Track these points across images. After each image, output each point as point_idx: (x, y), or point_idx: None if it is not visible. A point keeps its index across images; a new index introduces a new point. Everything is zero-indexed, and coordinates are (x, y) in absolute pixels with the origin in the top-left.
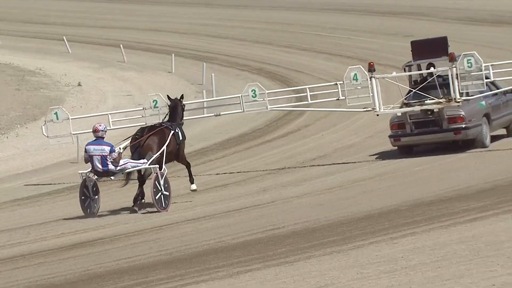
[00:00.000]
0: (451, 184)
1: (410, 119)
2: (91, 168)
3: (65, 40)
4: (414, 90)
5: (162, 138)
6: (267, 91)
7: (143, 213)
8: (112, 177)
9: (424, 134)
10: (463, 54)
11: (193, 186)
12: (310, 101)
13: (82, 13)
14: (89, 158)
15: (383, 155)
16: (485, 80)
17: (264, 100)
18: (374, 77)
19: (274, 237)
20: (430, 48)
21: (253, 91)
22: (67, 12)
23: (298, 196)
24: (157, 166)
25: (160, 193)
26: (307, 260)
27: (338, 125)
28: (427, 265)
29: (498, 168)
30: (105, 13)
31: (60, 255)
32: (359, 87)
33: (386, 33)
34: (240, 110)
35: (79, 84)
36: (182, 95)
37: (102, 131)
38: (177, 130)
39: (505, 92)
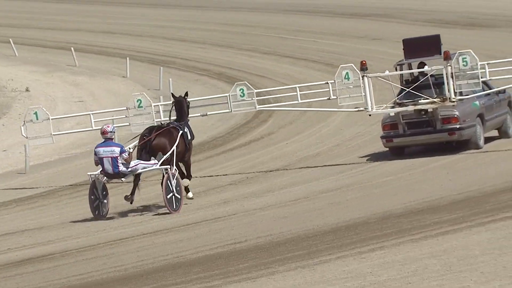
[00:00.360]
0: (422, 195)
1: (403, 120)
2: (101, 170)
3: (12, 43)
4: (407, 90)
5: (171, 138)
6: (255, 90)
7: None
8: (123, 179)
9: (418, 134)
10: (458, 52)
11: (190, 194)
12: (300, 101)
13: (29, 13)
14: (99, 161)
15: (351, 165)
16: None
17: (252, 99)
18: (366, 76)
19: (235, 252)
20: (423, 47)
21: (241, 90)
22: (12, 12)
23: (261, 208)
24: (168, 166)
25: (171, 194)
26: (271, 276)
27: (303, 133)
28: (397, 280)
29: (471, 178)
30: (54, 14)
31: (5, 272)
32: (351, 86)
33: (353, 36)
34: (228, 110)
35: (27, 90)
36: (187, 92)
37: (111, 132)
38: (185, 130)
39: (497, 92)
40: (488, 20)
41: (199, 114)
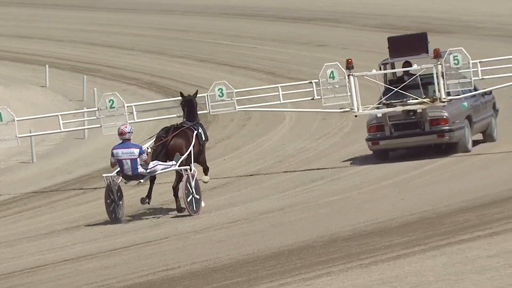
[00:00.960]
0: (372, 216)
1: (389, 121)
2: (119, 172)
3: None
4: (395, 90)
5: (187, 139)
6: (235, 90)
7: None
8: (141, 180)
9: (405, 137)
10: (449, 50)
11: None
12: (282, 101)
13: None
14: (116, 162)
15: (295, 183)
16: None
17: (232, 100)
18: (352, 75)
19: (167, 279)
20: (409, 45)
21: (220, 90)
22: None
23: (196, 231)
24: (188, 167)
25: (191, 196)
26: None
27: (243, 148)
28: None
29: (424, 197)
30: None
31: None
32: (337, 86)
33: (296, 42)
34: (205, 111)
35: None
36: (197, 90)
37: (129, 132)
38: (200, 131)
39: (483, 94)
40: (443, 25)
41: (175, 115)
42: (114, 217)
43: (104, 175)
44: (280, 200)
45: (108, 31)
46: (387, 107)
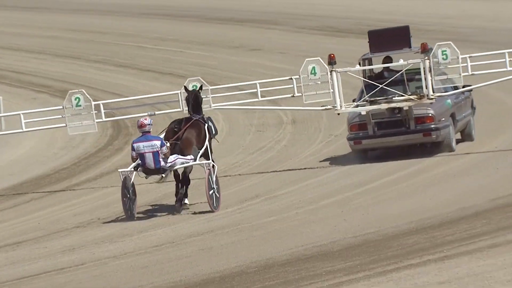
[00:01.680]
0: (311, 239)
1: (372, 119)
2: (140, 167)
3: None
4: (380, 86)
5: (199, 131)
6: (210, 87)
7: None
8: (163, 175)
9: (389, 136)
10: (438, 45)
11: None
12: (260, 98)
13: None
14: (137, 157)
15: (226, 202)
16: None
17: (207, 97)
18: (335, 70)
19: None
20: (390, 39)
21: (194, 87)
22: None
23: (116, 256)
24: (210, 161)
25: (212, 191)
26: None
27: None
28: None
29: (369, 218)
30: None
31: None
32: (319, 82)
33: (227, 45)
34: (179, 109)
35: None
36: (201, 85)
37: (149, 124)
38: (210, 124)
39: (463, 91)
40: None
41: (146, 114)
42: (130, 214)
43: (119, 170)
44: (210, 221)
45: (15, 32)
46: (371, 105)
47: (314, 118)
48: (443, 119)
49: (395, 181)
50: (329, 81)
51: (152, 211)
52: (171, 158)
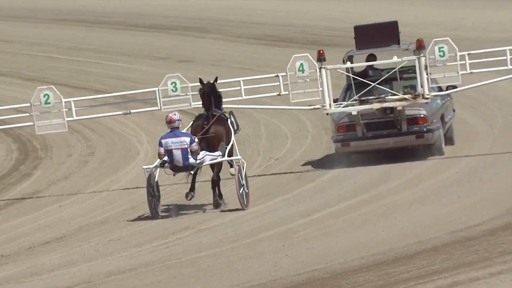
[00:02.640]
0: (249, 277)
1: (361, 120)
2: (167, 164)
3: None
4: (373, 84)
5: (225, 127)
6: (190, 84)
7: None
8: (191, 172)
9: (379, 138)
10: (434, 41)
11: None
12: (244, 97)
13: None
14: (165, 153)
15: (152, 235)
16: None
17: (187, 95)
18: (324, 67)
19: None
20: (378, 35)
21: (173, 84)
22: None
23: None
24: (239, 157)
25: (242, 188)
26: None
27: (84, 191)
28: None
29: (314, 252)
30: None
31: None
32: (308, 80)
33: (152, 56)
34: (156, 108)
35: None
36: (216, 77)
37: (178, 120)
38: (232, 119)
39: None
40: (335, 37)
41: (121, 112)
42: (155, 213)
43: (144, 167)
44: (132, 257)
45: None
46: (362, 104)
47: (251, 139)
48: (435, 120)
49: (345, 210)
50: (318, 79)
51: (63, 248)
52: (200, 154)
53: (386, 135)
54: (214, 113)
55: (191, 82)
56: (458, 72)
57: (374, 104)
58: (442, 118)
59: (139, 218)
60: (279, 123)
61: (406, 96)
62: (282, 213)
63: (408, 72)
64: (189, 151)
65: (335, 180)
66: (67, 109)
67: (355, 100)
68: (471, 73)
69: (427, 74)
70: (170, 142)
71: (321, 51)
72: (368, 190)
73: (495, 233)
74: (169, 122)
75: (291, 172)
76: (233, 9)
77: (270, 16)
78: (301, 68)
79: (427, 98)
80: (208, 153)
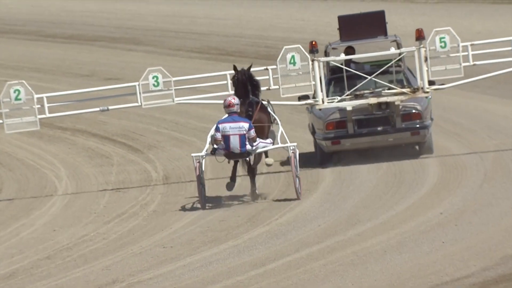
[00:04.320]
0: None
1: (353, 116)
2: (221, 150)
3: None
4: (369, 78)
5: (268, 115)
6: (173, 78)
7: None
8: (247, 159)
9: (372, 135)
10: (435, 31)
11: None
12: (230, 91)
13: None
14: (221, 139)
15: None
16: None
17: (169, 90)
18: (317, 60)
19: None
20: (364, 26)
21: (155, 79)
22: None
23: None
24: (295, 144)
25: (297, 177)
26: None
27: (12, 226)
28: None
29: None
30: None
31: None
32: (300, 73)
33: (72, 72)
34: (137, 104)
35: None
36: (252, 64)
37: (237, 104)
38: (270, 108)
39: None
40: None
41: (98, 109)
42: (204, 202)
43: (193, 154)
44: None
45: None
46: (356, 99)
47: (194, 173)
48: (428, 116)
49: (306, 259)
50: (311, 72)
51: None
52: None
53: (379, 132)
54: (254, 100)
55: (173, 75)
56: (460, 64)
57: (370, 99)
58: (430, 114)
59: (59, 271)
60: None
61: (404, 90)
62: (230, 262)
63: (391, 65)
64: (246, 137)
65: (294, 222)
66: (39, 106)
67: (349, 95)
68: (474, 64)
69: (427, 66)
70: (228, 127)
71: (314, 42)
72: (334, 235)
73: (486, 287)
74: (228, 106)
75: (241, 213)
76: (170, 16)
77: (215, 26)
78: (292, 61)
79: (427, 92)
80: (262, 140)
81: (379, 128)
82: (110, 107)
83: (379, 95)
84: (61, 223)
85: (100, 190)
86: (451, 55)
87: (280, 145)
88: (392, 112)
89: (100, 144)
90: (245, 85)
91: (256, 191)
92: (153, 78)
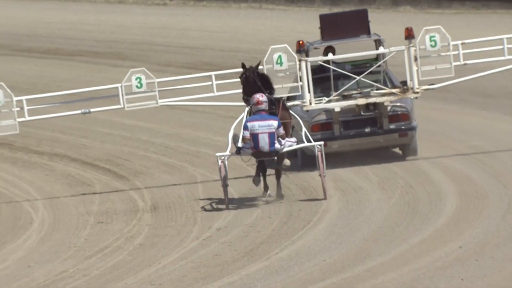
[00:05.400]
0: None
1: (339, 117)
2: (248, 149)
3: None
4: (357, 78)
5: (289, 113)
6: (157, 80)
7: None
8: (275, 158)
9: (359, 137)
10: (425, 30)
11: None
12: (215, 93)
13: None
14: (250, 137)
15: None
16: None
17: (153, 91)
18: (304, 60)
19: None
20: (346, 25)
21: (138, 80)
22: None
23: None
24: (322, 143)
25: (324, 176)
26: None
27: None
28: None
29: None
30: None
31: None
32: (288, 73)
33: (53, 91)
34: (120, 106)
35: None
36: (260, 61)
37: (266, 102)
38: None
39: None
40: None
41: (80, 111)
42: (228, 202)
43: (218, 154)
44: None
45: None
46: (344, 100)
47: (185, 203)
48: (414, 117)
49: None
50: (298, 72)
51: None
52: (283, 140)
53: (366, 134)
54: (277, 98)
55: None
56: (451, 63)
57: (359, 100)
58: (415, 117)
59: None
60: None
61: (394, 91)
62: None
63: (371, 66)
64: (275, 135)
65: (296, 256)
66: (18, 109)
67: (340, 95)
68: (465, 64)
69: (417, 65)
70: (257, 125)
71: (301, 42)
72: (341, 271)
73: None
74: (257, 103)
75: (238, 246)
76: (159, 28)
77: (208, 39)
78: (279, 61)
79: (417, 93)
80: (288, 139)
81: (366, 130)
82: (92, 110)
83: (367, 95)
84: (37, 259)
85: (81, 221)
86: (442, 54)
87: (306, 143)
88: (380, 113)
89: (81, 170)
90: (254, 83)
91: (281, 192)
92: (136, 79)
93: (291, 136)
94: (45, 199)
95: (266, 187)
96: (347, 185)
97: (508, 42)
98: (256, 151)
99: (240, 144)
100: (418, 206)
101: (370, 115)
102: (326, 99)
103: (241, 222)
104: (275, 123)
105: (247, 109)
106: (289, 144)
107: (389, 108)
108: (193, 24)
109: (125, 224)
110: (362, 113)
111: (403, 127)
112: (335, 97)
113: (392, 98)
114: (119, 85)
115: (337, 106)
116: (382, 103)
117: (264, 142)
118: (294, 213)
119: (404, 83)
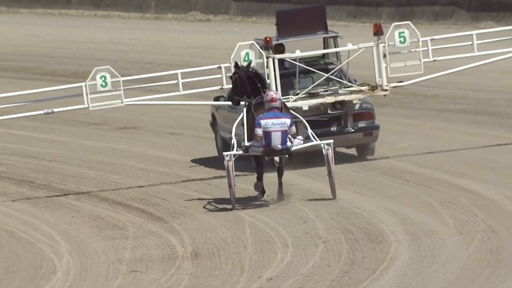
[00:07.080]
0: None
1: (303, 116)
2: (261, 147)
3: None
4: (326, 75)
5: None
6: (122, 78)
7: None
8: (287, 156)
9: (326, 136)
10: (394, 25)
11: None
12: (182, 92)
13: None
14: (263, 135)
15: None
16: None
17: (118, 90)
18: (272, 57)
19: None
20: (303, 21)
21: (103, 78)
22: None
23: None
24: (331, 141)
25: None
26: None
27: None
28: None
29: None
30: None
31: None
32: (254, 71)
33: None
34: (84, 106)
35: None
36: (251, 61)
37: (279, 99)
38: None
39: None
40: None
41: (43, 112)
42: (235, 202)
43: (225, 153)
44: None
45: None
46: (313, 98)
47: (231, 248)
48: (375, 115)
49: None
50: (265, 70)
51: None
52: (295, 138)
53: (331, 133)
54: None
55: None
56: (420, 60)
57: (327, 98)
58: None
59: None
60: (273, 222)
61: (362, 88)
62: None
63: (326, 63)
64: (288, 133)
65: None
66: None
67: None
68: (434, 60)
69: (386, 62)
70: (271, 123)
71: (268, 38)
72: None
73: None
74: (271, 100)
75: None
76: (201, 48)
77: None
78: (246, 58)
79: (386, 90)
80: (298, 137)
81: (332, 129)
82: (55, 110)
83: (336, 93)
84: None
85: (111, 270)
86: (412, 50)
87: (315, 142)
88: (345, 112)
89: (112, 210)
90: (255, 83)
91: (283, 191)
92: (100, 78)
93: (298, 135)
94: (70, 244)
95: (263, 190)
96: (418, 228)
97: (478, 38)
98: (268, 149)
99: (247, 143)
100: (502, 254)
101: (334, 114)
102: (294, 97)
103: (296, 271)
104: (288, 121)
105: (245, 109)
106: (297, 142)
107: (357, 106)
108: (183, 40)
109: (162, 273)
110: (329, 112)
111: (368, 126)
112: (303, 95)
113: (360, 96)
114: (83, 84)
115: (305, 104)
116: (350, 101)
117: (277, 140)
118: (357, 261)
119: (355, 81)
